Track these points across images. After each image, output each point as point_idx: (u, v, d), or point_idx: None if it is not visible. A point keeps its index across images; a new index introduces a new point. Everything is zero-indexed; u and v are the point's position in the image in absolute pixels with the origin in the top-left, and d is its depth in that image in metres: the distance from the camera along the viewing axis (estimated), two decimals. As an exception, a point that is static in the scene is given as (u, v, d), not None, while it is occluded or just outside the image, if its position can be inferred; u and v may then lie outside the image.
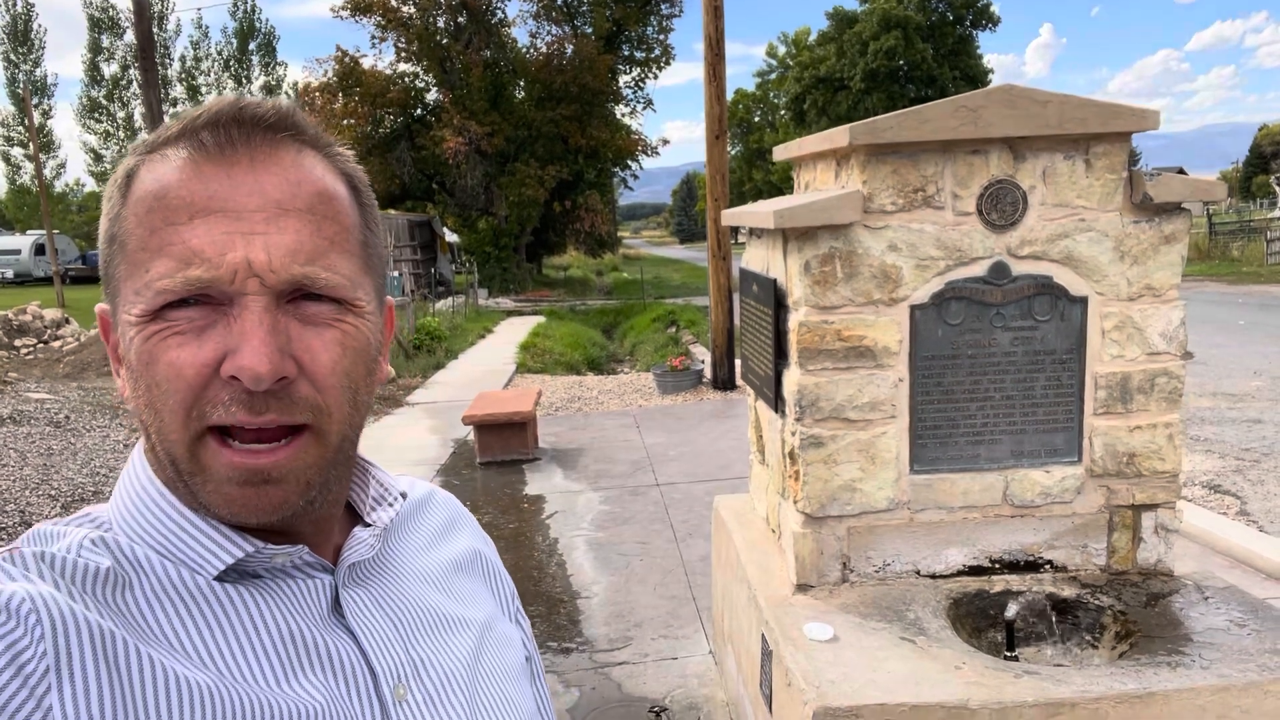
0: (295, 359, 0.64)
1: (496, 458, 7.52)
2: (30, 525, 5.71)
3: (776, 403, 2.75)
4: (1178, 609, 2.44)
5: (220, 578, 0.67)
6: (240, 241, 0.62)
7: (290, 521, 0.68)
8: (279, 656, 0.67)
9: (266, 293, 0.62)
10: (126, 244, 0.64)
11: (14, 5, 46.01)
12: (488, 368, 13.09)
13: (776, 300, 2.70)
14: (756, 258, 3.03)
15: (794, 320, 2.56)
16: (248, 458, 0.63)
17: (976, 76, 48.51)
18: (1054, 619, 2.50)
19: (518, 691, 0.83)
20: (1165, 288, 2.53)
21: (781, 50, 61.09)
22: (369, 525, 0.77)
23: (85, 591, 0.62)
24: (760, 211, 2.65)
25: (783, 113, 58.32)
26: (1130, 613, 2.43)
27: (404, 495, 0.83)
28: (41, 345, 14.42)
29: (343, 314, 0.67)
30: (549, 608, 4.61)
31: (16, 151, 48.34)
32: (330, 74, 30.98)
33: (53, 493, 6.45)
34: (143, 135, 0.73)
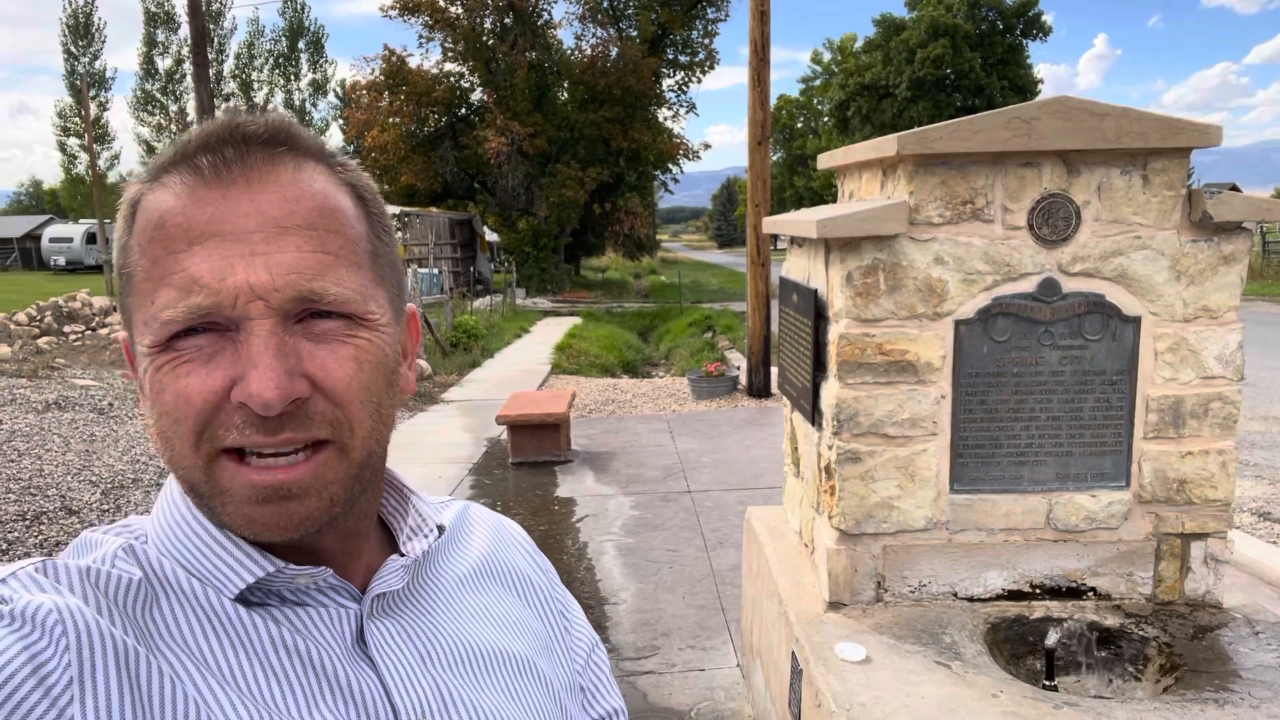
0: (309, 377, 0.62)
1: (529, 458, 7.52)
2: (71, 510, 5.83)
3: (813, 415, 2.70)
4: (1226, 643, 2.35)
5: (245, 601, 0.67)
6: (240, 264, 0.61)
7: (316, 538, 0.67)
8: (301, 682, 0.66)
9: (272, 314, 0.61)
10: (133, 276, 0.64)
11: (75, -1, 47.19)
12: (523, 368, 13.13)
13: (817, 311, 2.65)
14: (797, 267, 2.98)
15: (834, 332, 2.50)
16: (265, 474, 0.62)
17: (1026, 87, 47.80)
18: (1096, 649, 2.42)
19: None
20: (1222, 309, 2.44)
21: (827, 56, 60.67)
22: (403, 555, 0.76)
23: (115, 604, 0.62)
24: (803, 220, 2.60)
25: (826, 119, 57.93)
26: (1176, 645, 2.34)
27: (441, 529, 0.81)
28: (89, 332, 14.74)
29: (355, 329, 0.65)
30: (576, 612, 4.58)
31: (73, 142, 49.59)
32: (377, 72, 31.38)
33: (93, 479, 6.56)
34: (136, 169, 0.72)
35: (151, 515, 0.72)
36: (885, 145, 2.44)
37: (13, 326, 14.03)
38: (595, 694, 0.89)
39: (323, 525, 0.65)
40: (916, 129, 2.38)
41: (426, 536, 0.78)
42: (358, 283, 0.65)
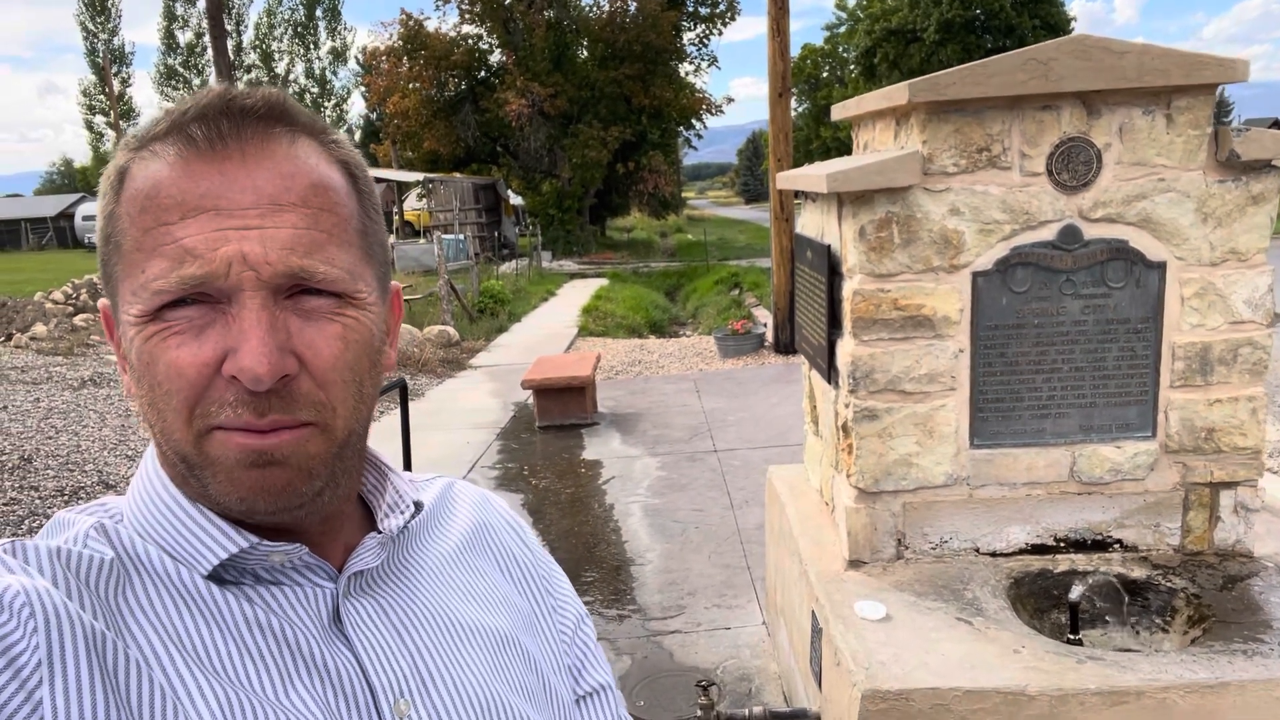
0: (297, 355, 0.63)
1: (555, 422, 7.55)
2: (108, 485, 5.94)
3: (830, 373, 2.66)
4: (1257, 593, 2.31)
5: (219, 579, 0.67)
6: (234, 236, 0.61)
7: (299, 517, 0.67)
8: (276, 661, 0.65)
9: (263, 287, 0.61)
10: (121, 244, 0.64)
11: (93, -25, 47.26)
12: (550, 331, 13.15)
13: (830, 267, 2.60)
14: (811, 223, 2.92)
15: (848, 288, 2.46)
16: (252, 439, 0.62)
17: (1058, 25, 46.36)
18: (1122, 601, 2.38)
19: (538, 713, 0.78)
20: (1251, 252, 2.36)
21: (851, 2, 59.31)
22: (380, 533, 0.75)
23: (85, 585, 0.62)
24: (814, 174, 2.54)
25: (852, 68, 56.78)
26: (1204, 596, 2.30)
27: (418, 505, 0.80)
28: (123, 309, 14.94)
29: (343, 307, 0.66)
30: (603, 574, 4.62)
31: (99, 119, 49.98)
32: (395, 37, 31.18)
33: (129, 453, 6.69)
34: (128, 129, 0.71)
35: (128, 493, 0.72)
36: (897, 94, 2.37)
37: (48, 305, 14.28)
38: (582, 669, 0.88)
39: (304, 500, 0.65)
40: (929, 75, 2.30)
41: (403, 513, 0.78)
42: (348, 261, 0.66)
